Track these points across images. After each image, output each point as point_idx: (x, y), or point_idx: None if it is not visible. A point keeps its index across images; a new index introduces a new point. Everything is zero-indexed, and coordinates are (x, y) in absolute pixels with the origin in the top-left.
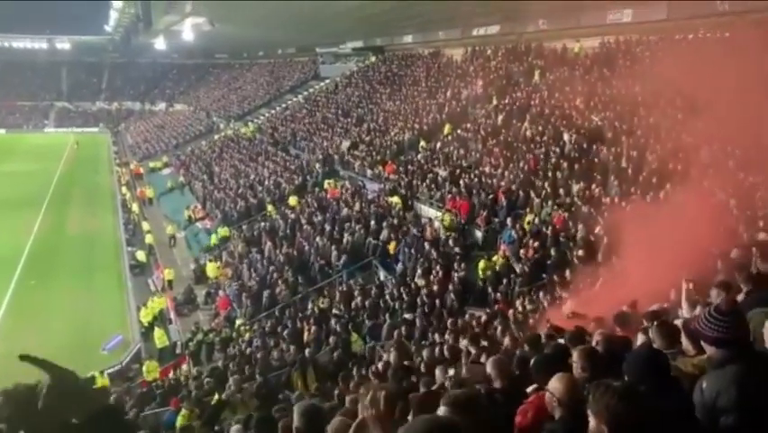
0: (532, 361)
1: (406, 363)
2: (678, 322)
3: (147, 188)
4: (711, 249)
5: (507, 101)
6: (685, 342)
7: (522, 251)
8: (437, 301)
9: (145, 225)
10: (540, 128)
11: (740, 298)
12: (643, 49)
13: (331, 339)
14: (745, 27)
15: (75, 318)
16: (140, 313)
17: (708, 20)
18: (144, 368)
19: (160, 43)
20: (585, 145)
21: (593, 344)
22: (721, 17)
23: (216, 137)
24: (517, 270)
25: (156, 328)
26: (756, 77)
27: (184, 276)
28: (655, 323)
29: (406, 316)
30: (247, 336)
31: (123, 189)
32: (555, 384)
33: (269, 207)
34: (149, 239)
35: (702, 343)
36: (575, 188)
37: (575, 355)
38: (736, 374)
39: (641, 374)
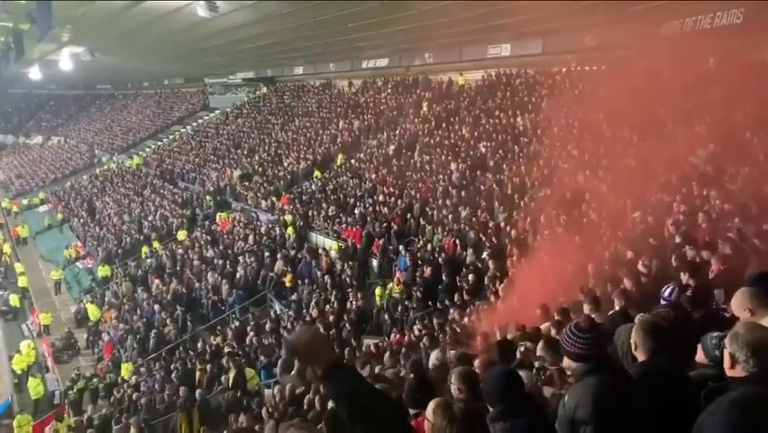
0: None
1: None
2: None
3: (21, 226)
4: (585, 267)
5: (397, 132)
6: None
7: (417, 276)
8: (333, 332)
9: (18, 267)
10: (429, 157)
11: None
12: (521, 81)
13: (223, 378)
14: (613, 61)
15: None
16: (12, 361)
17: (579, 54)
18: (15, 423)
19: (35, 73)
20: (469, 173)
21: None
22: (590, 53)
23: (98, 171)
24: (412, 296)
25: (30, 378)
26: (622, 108)
27: (64, 320)
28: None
29: None
30: (133, 379)
31: None
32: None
33: (156, 243)
34: (22, 282)
35: (565, 357)
36: (463, 214)
37: (453, 377)
38: (592, 387)
39: (496, 394)
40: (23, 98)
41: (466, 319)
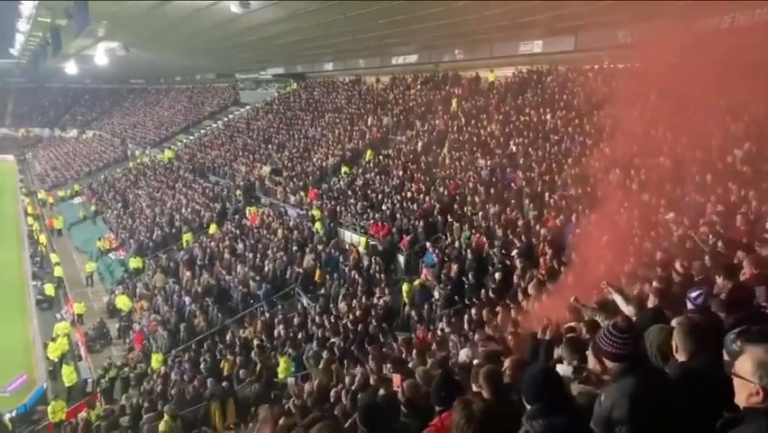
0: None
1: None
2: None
3: (56, 218)
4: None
5: (426, 128)
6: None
7: (444, 273)
8: (360, 327)
9: (54, 258)
10: (458, 154)
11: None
12: (552, 78)
13: (252, 370)
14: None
15: None
16: (47, 349)
17: (612, 51)
18: (49, 409)
19: (71, 68)
20: (500, 170)
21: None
22: (623, 50)
23: (131, 164)
24: (437, 294)
25: (64, 365)
26: (656, 106)
27: (96, 310)
28: (565, 338)
29: (332, 340)
30: (163, 370)
31: (30, 220)
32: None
33: (187, 236)
34: (58, 272)
35: (603, 357)
36: (491, 211)
37: (479, 376)
38: (629, 387)
39: (534, 392)
40: (60, 92)
41: (497, 317)
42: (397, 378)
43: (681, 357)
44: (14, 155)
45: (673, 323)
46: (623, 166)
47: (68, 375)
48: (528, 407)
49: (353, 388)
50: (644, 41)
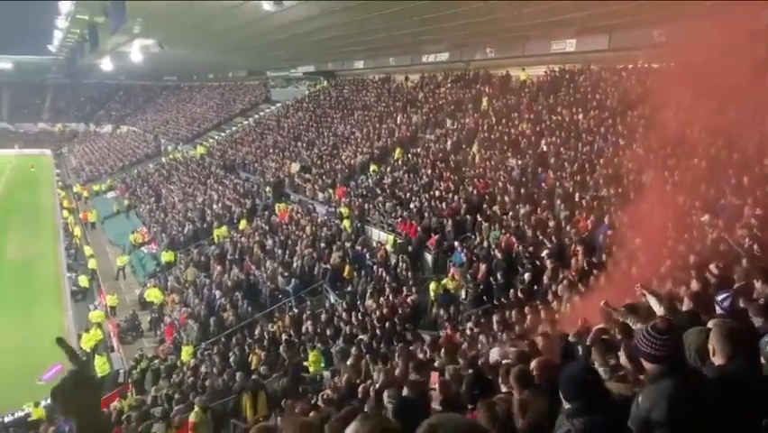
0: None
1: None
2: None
3: (90, 211)
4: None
5: (455, 126)
6: (623, 360)
7: (470, 273)
8: (387, 324)
9: (88, 250)
10: (488, 153)
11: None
12: (585, 77)
13: (280, 365)
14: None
15: (12, 346)
16: (81, 340)
17: (645, 51)
18: None
19: (106, 64)
20: (530, 170)
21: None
22: (658, 49)
23: (164, 160)
24: (465, 293)
25: (97, 356)
26: (691, 107)
27: (128, 302)
28: (595, 341)
29: (360, 337)
30: (192, 362)
31: (65, 213)
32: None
33: (218, 231)
34: (91, 264)
35: (641, 359)
36: (522, 211)
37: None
38: (668, 389)
39: (574, 390)
40: (95, 88)
41: (527, 318)
42: (434, 376)
43: (718, 360)
44: (51, 149)
45: (710, 325)
46: (657, 167)
47: (100, 366)
48: (567, 405)
49: (378, 386)
50: (679, 40)
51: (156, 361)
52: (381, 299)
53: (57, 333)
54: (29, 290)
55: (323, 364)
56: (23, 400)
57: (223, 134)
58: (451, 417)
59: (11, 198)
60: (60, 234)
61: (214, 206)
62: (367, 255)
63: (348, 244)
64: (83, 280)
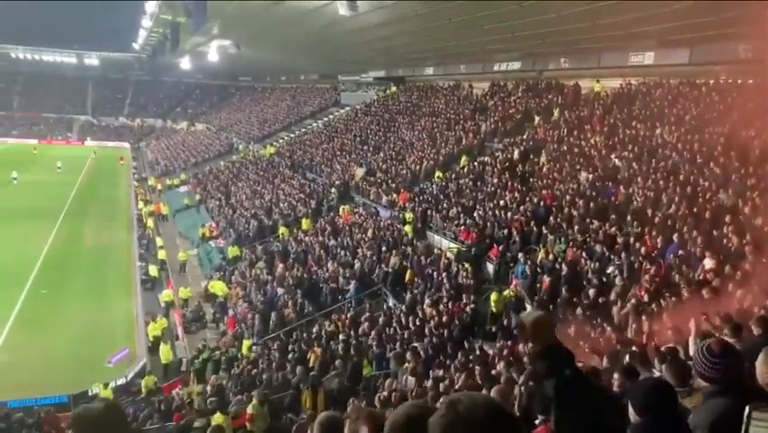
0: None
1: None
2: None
3: (163, 204)
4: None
5: (524, 136)
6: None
7: (535, 286)
8: (444, 332)
9: (159, 241)
10: (557, 165)
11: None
12: (663, 92)
13: (338, 364)
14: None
15: (83, 329)
16: (147, 327)
17: (728, 66)
18: (143, 382)
19: (185, 63)
20: (601, 184)
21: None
22: (743, 65)
23: (235, 158)
24: (528, 306)
25: (162, 344)
26: None
27: (194, 294)
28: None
29: (415, 345)
30: (252, 356)
31: (140, 204)
32: None
33: (283, 229)
34: (161, 255)
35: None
36: (590, 226)
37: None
38: (713, 411)
39: (646, 405)
40: (173, 86)
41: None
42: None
43: None
44: (129, 143)
45: None
46: (735, 187)
47: (164, 353)
48: (634, 419)
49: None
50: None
51: (217, 352)
52: (440, 305)
53: (126, 318)
54: (102, 276)
55: (373, 369)
56: (90, 381)
57: (292, 135)
58: (470, 393)
59: (90, 188)
60: (134, 225)
61: (281, 204)
62: (427, 261)
63: (409, 249)
64: (153, 270)
